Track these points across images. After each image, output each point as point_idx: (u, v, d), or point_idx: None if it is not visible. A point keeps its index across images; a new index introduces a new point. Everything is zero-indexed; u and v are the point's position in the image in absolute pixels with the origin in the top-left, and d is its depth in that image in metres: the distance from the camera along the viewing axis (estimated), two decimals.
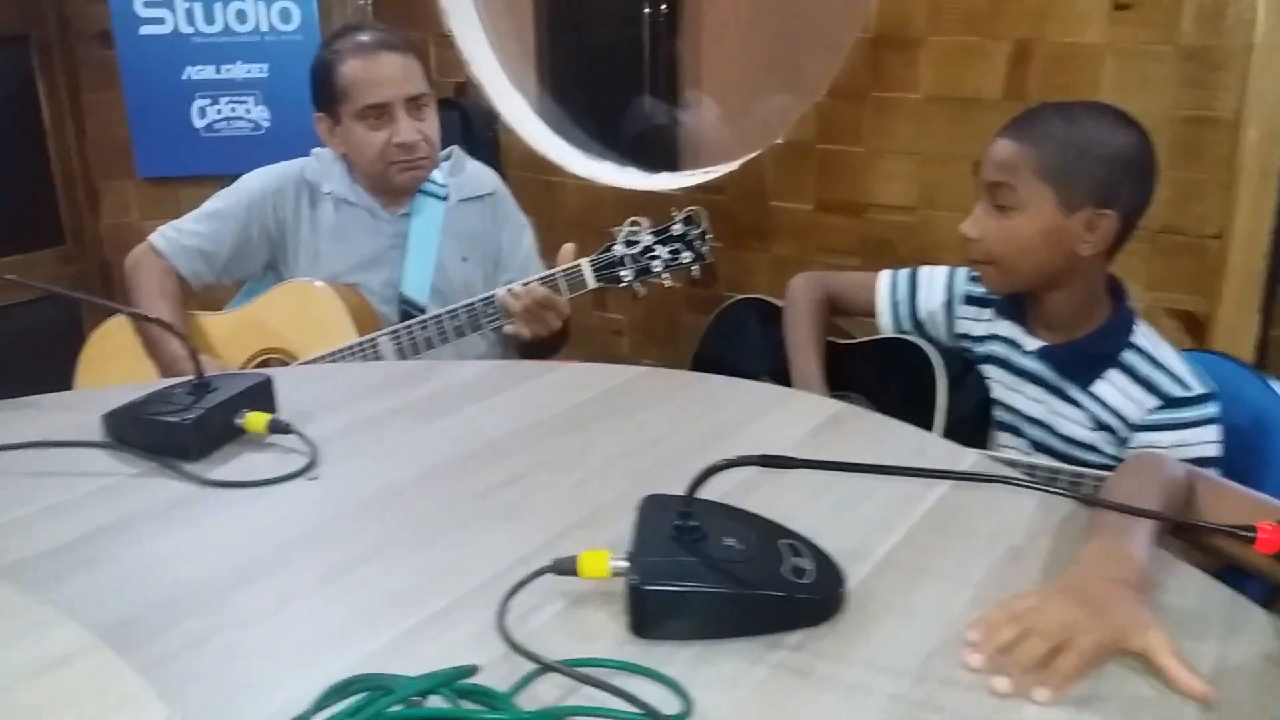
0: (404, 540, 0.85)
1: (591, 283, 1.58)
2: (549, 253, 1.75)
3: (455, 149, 1.83)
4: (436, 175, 1.77)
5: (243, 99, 2.50)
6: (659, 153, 3.35)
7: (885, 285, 1.52)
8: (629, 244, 1.57)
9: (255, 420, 1.04)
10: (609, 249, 1.57)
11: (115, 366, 1.71)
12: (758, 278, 2.23)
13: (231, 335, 1.70)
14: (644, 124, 3.48)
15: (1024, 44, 1.86)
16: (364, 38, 1.68)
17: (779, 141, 2.18)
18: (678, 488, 0.82)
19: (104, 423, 1.06)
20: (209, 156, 2.51)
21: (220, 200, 1.75)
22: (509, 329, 1.60)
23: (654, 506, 0.79)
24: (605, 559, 0.73)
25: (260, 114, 2.52)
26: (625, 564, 0.72)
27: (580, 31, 3.77)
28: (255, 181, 1.75)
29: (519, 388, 1.21)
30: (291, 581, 0.78)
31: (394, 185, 1.72)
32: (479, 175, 1.83)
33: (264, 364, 1.69)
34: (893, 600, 0.76)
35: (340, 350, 1.63)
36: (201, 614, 0.73)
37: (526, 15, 3.11)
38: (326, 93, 1.68)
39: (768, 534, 0.77)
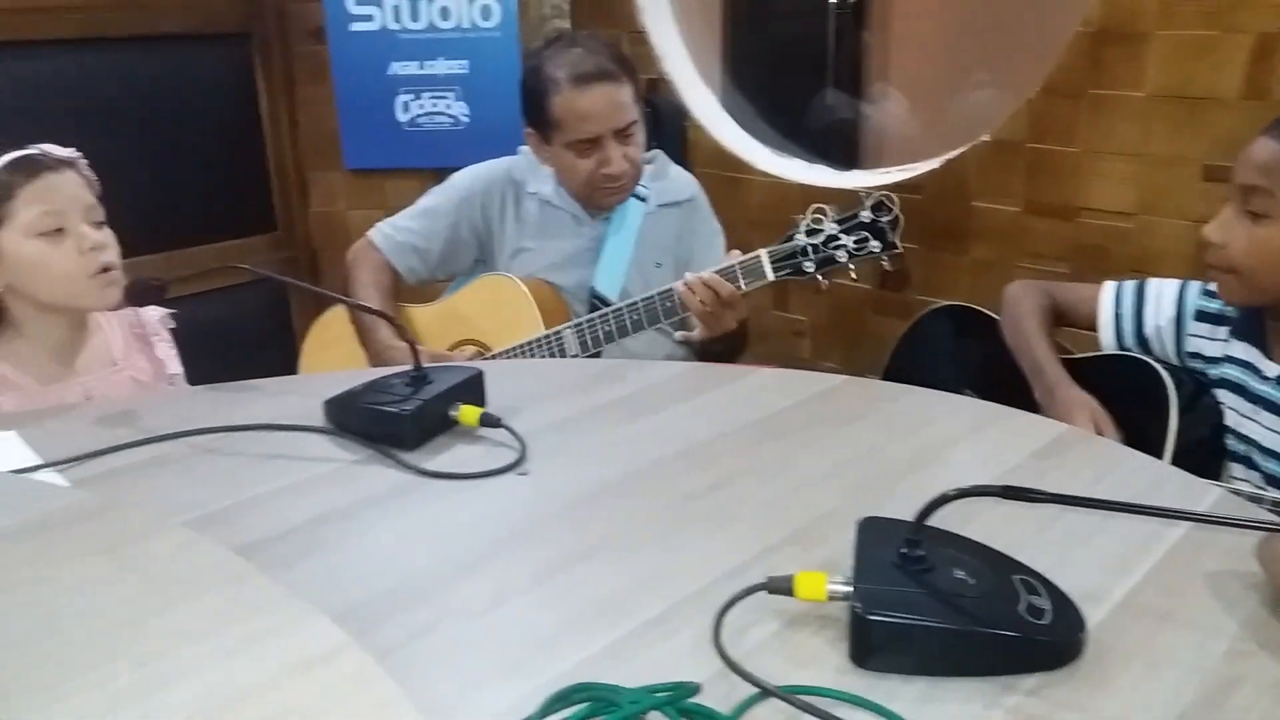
0: (614, 542, 0.85)
1: (770, 274, 1.52)
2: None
3: (659, 154, 1.83)
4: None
5: (443, 94, 2.59)
6: (841, 148, 3.27)
7: (1109, 297, 1.42)
8: (811, 233, 1.50)
9: (468, 413, 1.06)
10: (790, 238, 1.51)
11: (336, 352, 1.81)
12: (955, 282, 2.13)
13: (434, 326, 1.77)
14: (826, 119, 3.41)
15: (1269, 39, 1.70)
16: (579, 65, 1.65)
17: (985, 139, 2.08)
18: (892, 508, 0.79)
19: (325, 409, 1.11)
20: (411, 150, 2.62)
21: (433, 198, 1.82)
22: (681, 334, 1.59)
23: (874, 530, 0.76)
24: (823, 581, 0.71)
25: (460, 109, 2.60)
26: (846, 589, 0.70)
27: (765, 25, 3.72)
28: (465, 180, 1.81)
29: (717, 390, 1.19)
30: (507, 578, 0.79)
31: (597, 205, 1.75)
32: (679, 180, 1.83)
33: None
34: (1136, 648, 0.70)
35: (528, 342, 1.67)
36: (423, 605, 0.75)
37: (715, 10, 3.10)
38: (538, 114, 1.70)
39: (1000, 568, 0.72)
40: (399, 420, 1.04)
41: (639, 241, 1.77)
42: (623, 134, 1.69)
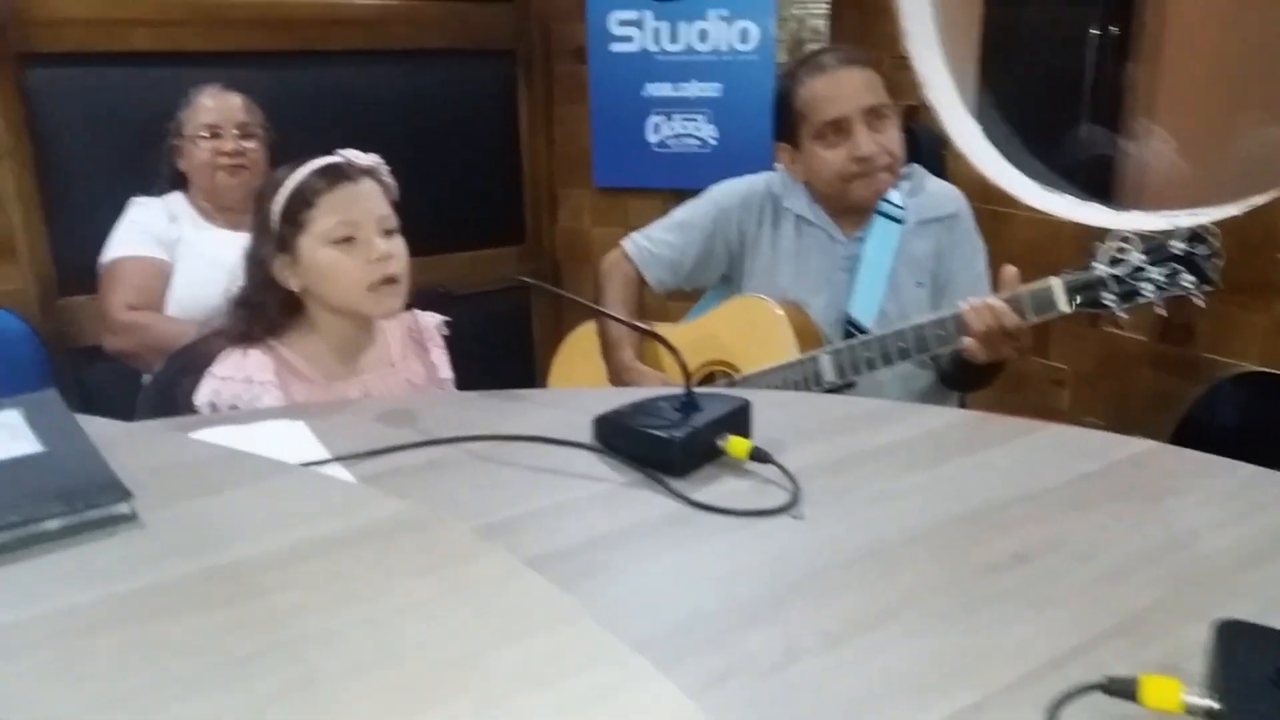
0: (910, 610, 0.78)
1: (1063, 306, 1.41)
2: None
3: (916, 167, 1.75)
4: (895, 196, 1.70)
5: (694, 117, 2.59)
6: (1096, 185, 3.04)
7: None
8: (1114, 263, 1.38)
9: (737, 445, 1.02)
10: (1088, 268, 1.40)
11: (583, 366, 1.83)
12: (1249, 341, 1.91)
13: (682, 346, 1.74)
14: (1082, 154, 3.18)
15: None
16: (824, 58, 1.67)
17: None
18: (1236, 607, 0.69)
19: (594, 427, 1.10)
20: (658, 171, 2.64)
21: (688, 210, 1.81)
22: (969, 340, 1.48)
23: (1238, 636, 0.65)
24: (1176, 690, 0.61)
25: (709, 132, 2.60)
26: (1210, 704, 0.60)
27: (1023, 53, 3.53)
28: (723, 193, 1.79)
29: (1005, 446, 1.10)
30: (797, 633, 0.74)
31: (852, 201, 1.68)
32: (940, 195, 1.74)
33: (709, 376, 1.72)
34: None
35: (781, 365, 1.62)
36: (714, 651, 0.71)
37: (973, 37, 2.95)
38: (786, 120, 1.69)
39: None
40: (669, 446, 1.01)
41: (896, 262, 1.68)
42: (872, 116, 1.63)
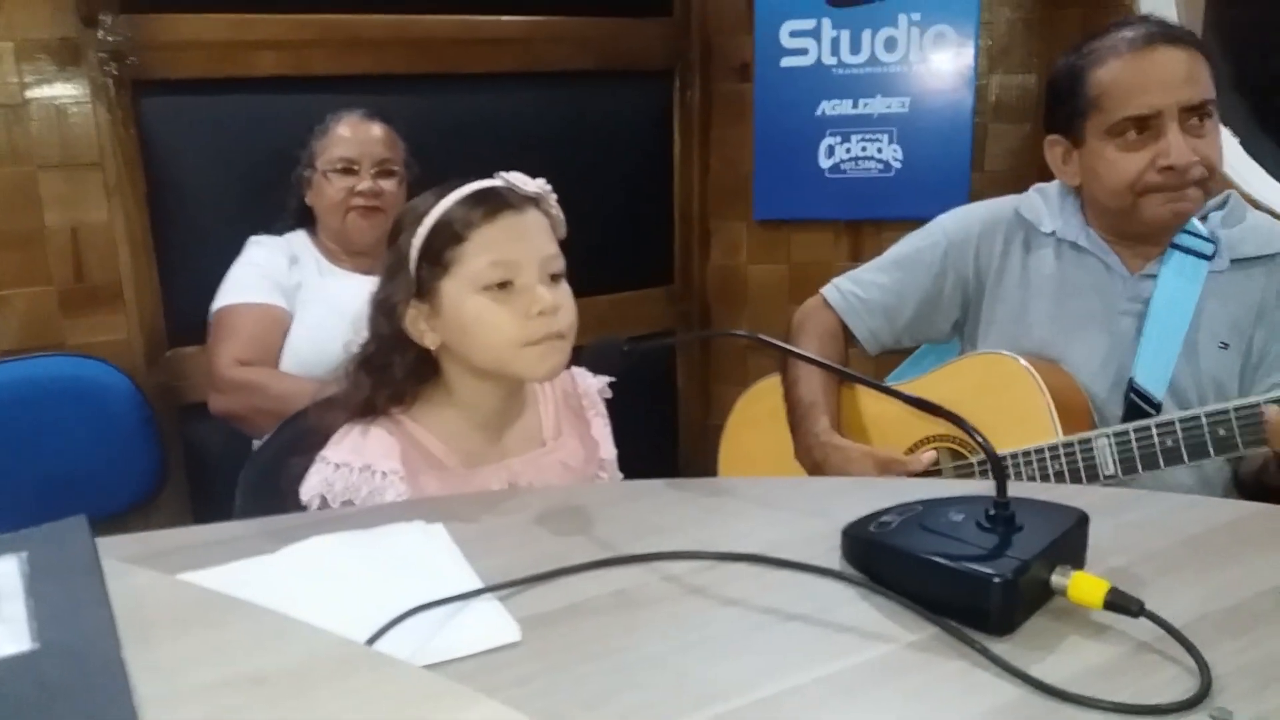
0: None
1: None
2: None
3: (1232, 194, 1.35)
4: (1201, 227, 1.32)
5: (876, 137, 2.24)
6: None
7: None
8: None
9: (1086, 587, 0.67)
10: None
11: (761, 433, 1.48)
12: None
13: (895, 414, 1.38)
14: None
15: None
16: (1133, 31, 1.26)
17: None
18: None
19: (845, 544, 0.77)
20: (827, 200, 2.30)
21: (910, 244, 1.46)
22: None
23: None
24: None
25: (892, 153, 2.24)
26: None
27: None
28: (956, 221, 1.43)
29: None
30: None
31: (1143, 221, 1.28)
32: (1264, 230, 1.33)
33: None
34: None
35: (1037, 451, 1.24)
36: None
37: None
38: (1068, 107, 1.30)
39: None
40: (987, 590, 0.66)
41: (1199, 312, 1.29)
42: (1192, 116, 1.23)
